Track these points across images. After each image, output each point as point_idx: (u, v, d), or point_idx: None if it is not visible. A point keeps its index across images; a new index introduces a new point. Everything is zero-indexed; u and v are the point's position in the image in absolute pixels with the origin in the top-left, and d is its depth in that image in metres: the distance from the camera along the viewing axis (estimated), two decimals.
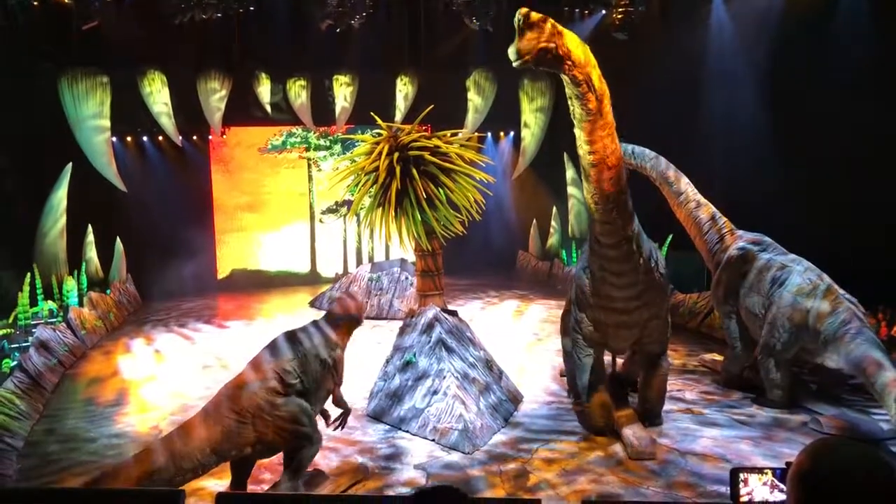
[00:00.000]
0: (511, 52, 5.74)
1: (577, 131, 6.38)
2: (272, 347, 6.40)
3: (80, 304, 13.63)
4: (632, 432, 7.61)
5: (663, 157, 10.51)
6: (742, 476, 3.10)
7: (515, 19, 5.65)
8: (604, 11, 16.54)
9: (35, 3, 13.76)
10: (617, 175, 6.49)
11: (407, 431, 8.17)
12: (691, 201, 10.18)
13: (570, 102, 6.31)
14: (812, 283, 8.57)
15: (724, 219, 9.97)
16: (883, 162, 10.89)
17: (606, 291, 7.43)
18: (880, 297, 10.20)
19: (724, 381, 9.77)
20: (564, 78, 6.12)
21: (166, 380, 10.77)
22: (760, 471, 3.11)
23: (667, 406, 8.71)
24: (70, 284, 13.77)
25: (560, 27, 5.85)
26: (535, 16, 5.69)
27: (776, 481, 3.06)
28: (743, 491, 3.10)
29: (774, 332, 8.65)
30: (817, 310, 8.34)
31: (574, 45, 5.91)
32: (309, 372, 6.32)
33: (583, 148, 6.40)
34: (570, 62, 5.94)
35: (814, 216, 11.41)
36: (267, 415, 5.96)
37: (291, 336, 6.51)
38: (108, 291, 15.37)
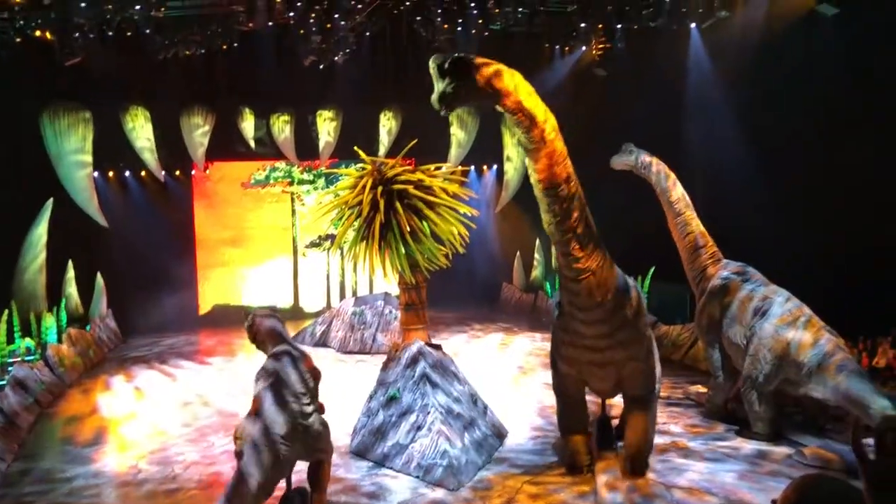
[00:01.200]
0: (433, 100, 5.61)
1: (526, 159, 6.45)
2: (278, 376, 6.38)
3: (59, 340, 13.43)
4: (604, 482, 7.29)
5: (665, 169, 10.33)
6: None
7: (430, 69, 5.55)
8: (584, 48, 16.79)
9: (18, 39, 13.76)
10: (567, 205, 6.33)
11: (391, 468, 8.06)
12: (685, 224, 10.08)
13: (514, 132, 6.39)
14: (792, 313, 8.62)
15: (713, 247, 9.93)
16: (861, 192, 11.06)
17: (575, 327, 7.11)
18: (861, 328, 10.26)
19: (708, 413, 9.76)
20: (498, 108, 6.10)
21: (146, 417, 10.58)
22: None
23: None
24: (49, 321, 13.58)
25: (481, 60, 5.74)
26: (451, 60, 5.59)
27: None
28: None
29: (757, 364, 8.66)
30: (799, 341, 8.37)
31: (498, 76, 5.82)
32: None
33: (532, 176, 6.40)
34: (497, 93, 5.88)
35: (793, 247, 11.53)
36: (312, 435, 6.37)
37: (282, 362, 6.53)
38: (88, 328, 15.17)
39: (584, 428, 8.04)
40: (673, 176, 10.26)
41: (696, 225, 10.03)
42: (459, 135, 19.39)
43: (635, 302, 7.06)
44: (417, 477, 7.73)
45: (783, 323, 8.58)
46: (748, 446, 8.56)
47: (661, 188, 10.32)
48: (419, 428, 8.13)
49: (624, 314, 6.91)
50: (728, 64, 13.90)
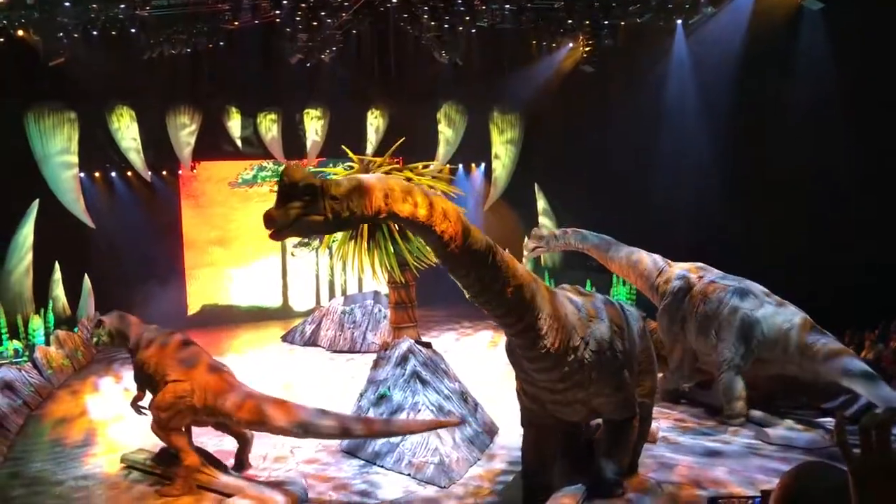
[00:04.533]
0: (265, 220, 4.43)
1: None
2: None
3: (47, 342, 13.34)
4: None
5: (575, 231, 11.43)
6: None
7: (279, 180, 4.45)
8: (571, 45, 16.82)
9: (1, 39, 13.64)
10: (482, 274, 5.49)
11: (382, 466, 8.07)
12: (621, 250, 10.93)
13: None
14: (757, 297, 9.21)
15: (658, 256, 10.66)
16: (848, 188, 11.16)
17: (526, 369, 6.50)
18: (848, 322, 10.36)
19: (662, 397, 10.08)
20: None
21: (135, 418, 10.49)
22: (738, 499, 3.11)
23: None
24: (36, 323, 13.47)
25: (336, 182, 4.61)
26: (304, 181, 4.40)
27: None
28: None
29: (731, 347, 9.05)
30: (769, 319, 8.90)
31: (365, 196, 4.66)
32: None
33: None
34: (364, 218, 4.85)
35: (780, 242, 11.63)
36: None
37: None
38: (76, 329, 15.07)
39: (549, 470, 7.10)
40: (583, 231, 11.34)
41: (633, 254, 10.77)
42: (447, 133, 19.38)
43: (602, 340, 6.42)
44: (409, 475, 7.75)
45: (751, 306, 9.10)
46: (738, 440, 8.64)
47: (586, 247, 11.28)
48: None
49: (579, 359, 6.25)
50: (714, 59, 13.97)
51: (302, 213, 4.39)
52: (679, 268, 10.28)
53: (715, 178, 13.43)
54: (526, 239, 12.03)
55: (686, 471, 7.69)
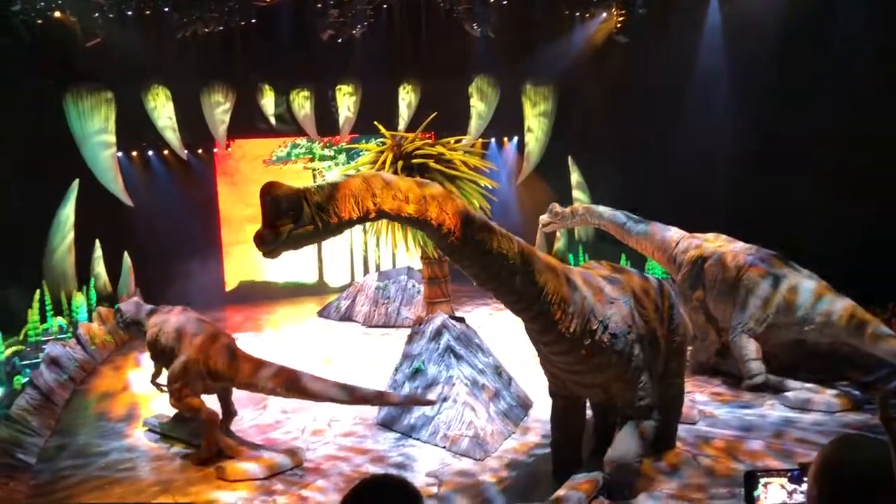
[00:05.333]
0: (256, 241, 4.45)
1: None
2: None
3: (90, 319, 13.66)
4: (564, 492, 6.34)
5: (588, 207, 11.70)
6: (757, 479, 3.08)
7: (261, 200, 4.41)
8: (604, 15, 16.55)
9: (39, 21, 13.84)
10: (487, 261, 5.37)
11: (417, 439, 8.16)
12: (637, 225, 10.97)
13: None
14: (772, 262, 9.37)
15: (675, 228, 10.75)
16: (882, 161, 10.89)
17: (544, 352, 6.46)
18: (890, 294, 10.19)
19: (694, 370, 10.09)
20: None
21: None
22: (776, 473, 3.09)
23: None
24: (79, 300, 13.80)
25: (315, 190, 4.53)
26: (287, 196, 4.35)
27: (792, 483, 3.04)
28: (757, 494, 3.08)
29: (746, 311, 9.23)
30: (788, 285, 9.04)
31: (351, 200, 4.63)
32: None
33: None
34: (356, 223, 4.84)
35: (823, 213, 11.42)
36: None
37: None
38: (117, 306, 15.39)
39: (571, 448, 6.99)
40: (598, 207, 11.50)
41: (649, 228, 10.83)
42: (479, 107, 19.25)
43: (622, 323, 6.21)
44: (444, 447, 7.83)
45: (769, 271, 9.24)
46: (775, 414, 8.56)
47: (602, 222, 11.35)
48: (445, 399, 8.22)
49: (597, 341, 6.06)
50: (749, 27, 13.64)
51: (291, 227, 4.35)
52: (696, 238, 10.39)
53: (751, 149, 13.19)
54: (542, 218, 12.20)
55: (722, 444, 7.66)
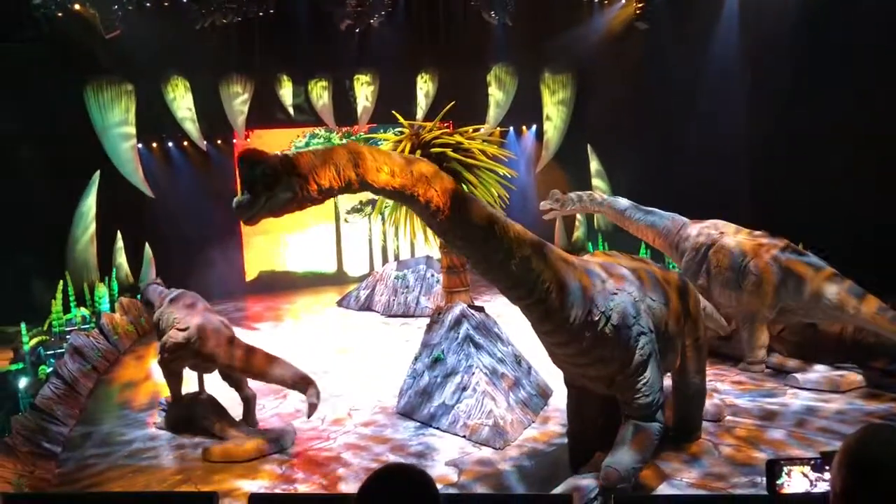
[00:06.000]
0: (235, 209, 4.44)
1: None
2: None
3: (112, 309, 13.81)
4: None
5: (589, 193, 11.85)
6: (779, 467, 3.06)
7: (239, 167, 4.39)
8: (623, 1, 16.40)
9: (59, 14, 13.95)
10: (479, 245, 5.19)
11: (437, 428, 8.18)
12: (637, 211, 11.09)
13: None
14: (774, 243, 9.44)
15: (676, 215, 10.83)
16: None
17: (545, 343, 6.18)
18: None
19: None
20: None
21: (197, 382, 10.86)
22: (799, 461, 3.06)
23: None
24: (101, 290, 13.95)
25: (298, 156, 4.46)
26: (263, 164, 4.29)
27: (815, 472, 3.02)
28: (780, 482, 3.05)
29: (757, 296, 9.30)
30: (795, 269, 9.10)
31: (333, 168, 4.54)
32: None
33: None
34: (337, 193, 4.71)
35: (840, 204, 11.30)
36: None
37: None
38: (139, 296, 15.54)
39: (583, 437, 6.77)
40: (595, 194, 11.74)
41: (650, 215, 10.95)
42: (497, 95, 19.19)
43: (626, 314, 5.87)
44: (464, 437, 7.84)
45: (772, 254, 9.31)
46: (797, 403, 8.48)
47: (602, 209, 11.61)
48: (464, 388, 8.22)
49: (599, 332, 5.75)
50: (770, 13, 13.44)
51: (269, 193, 4.29)
52: (699, 224, 10.45)
53: (769, 137, 13.04)
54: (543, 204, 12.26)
55: (744, 433, 7.60)
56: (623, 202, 11.35)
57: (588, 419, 6.85)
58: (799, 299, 9.09)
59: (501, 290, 5.63)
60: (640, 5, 15.87)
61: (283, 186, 4.31)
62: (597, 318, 5.73)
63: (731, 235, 9.94)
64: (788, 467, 3.03)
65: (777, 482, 3.03)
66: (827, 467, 2.91)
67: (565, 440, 7.51)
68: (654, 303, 6.29)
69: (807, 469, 3.02)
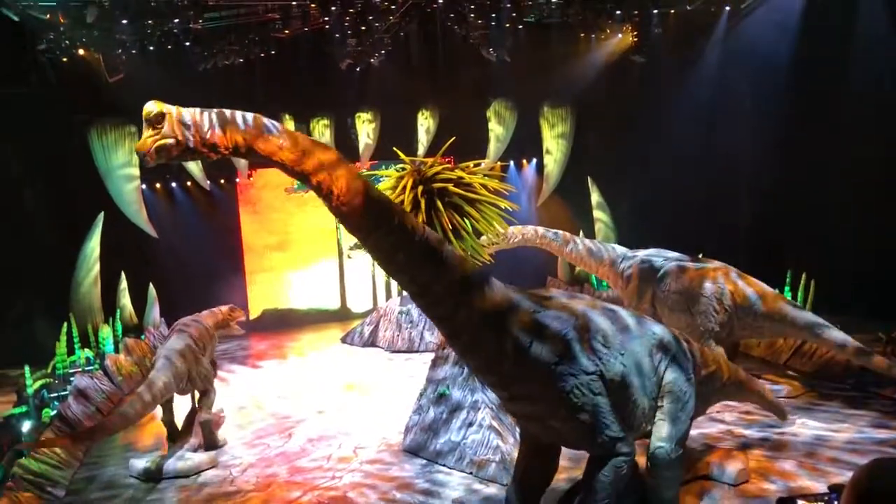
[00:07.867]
0: (136, 150, 4.73)
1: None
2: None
3: (116, 350, 13.77)
4: None
5: (540, 228, 12.11)
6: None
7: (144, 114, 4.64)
8: (619, 35, 16.61)
9: (64, 59, 14.16)
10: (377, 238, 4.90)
11: (444, 465, 8.11)
12: (579, 243, 11.49)
13: None
14: (717, 268, 9.77)
15: (617, 245, 11.32)
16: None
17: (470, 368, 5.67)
18: None
19: None
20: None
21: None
22: (812, 497, 3.03)
23: (706, 429, 8.57)
24: (105, 332, 13.92)
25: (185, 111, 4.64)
26: (156, 109, 4.58)
27: None
28: None
29: (709, 317, 9.53)
30: (738, 289, 9.46)
31: (219, 126, 4.72)
32: None
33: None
34: (224, 151, 4.78)
35: (842, 233, 11.32)
36: None
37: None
38: (143, 337, 15.53)
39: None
40: (539, 228, 12.05)
41: (592, 246, 11.36)
42: (497, 130, 19.34)
43: (558, 353, 5.06)
44: (470, 473, 7.77)
45: (717, 277, 9.65)
46: (807, 433, 8.41)
47: (543, 242, 11.88)
48: (470, 424, 8.16)
49: (526, 369, 5.04)
50: (766, 44, 13.62)
51: (155, 134, 4.56)
52: (639, 253, 10.77)
53: (770, 167, 13.11)
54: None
55: (754, 464, 7.52)
56: (563, 235, 11.71)
57: (528, 484, 5.99)
58: (744, 309, 9.39)
59: (412, 297, 5.18)
60: (636, 39, 16.06)
61: (166, 133, 4.57)
62: (508, 348, 4.98)
63: (675, 261, 10.20)
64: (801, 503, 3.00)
65: None
66: (836, 503, 2.88)
67: (572, 475, 7.45)
68: (605, 348, 5.31)
69: None
